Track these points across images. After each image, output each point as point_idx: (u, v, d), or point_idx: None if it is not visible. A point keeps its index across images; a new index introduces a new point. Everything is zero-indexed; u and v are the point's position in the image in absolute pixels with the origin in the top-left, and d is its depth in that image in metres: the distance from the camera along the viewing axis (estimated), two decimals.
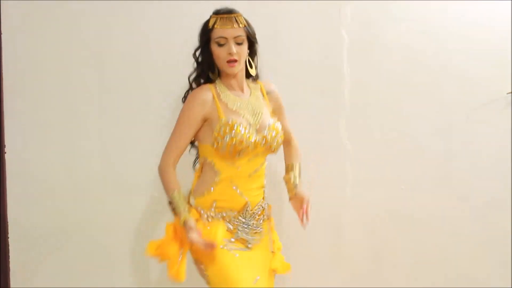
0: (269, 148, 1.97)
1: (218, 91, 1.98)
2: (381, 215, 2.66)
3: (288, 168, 2.18)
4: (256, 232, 2.00)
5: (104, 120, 2.64)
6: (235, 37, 1.93)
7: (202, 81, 2.05)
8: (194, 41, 2.55)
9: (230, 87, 2.01)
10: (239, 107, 1.96)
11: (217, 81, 2.02)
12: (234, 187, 1.95)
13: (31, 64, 2.62)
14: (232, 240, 1.95)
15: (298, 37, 2.59)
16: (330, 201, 2.65)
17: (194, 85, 2.09)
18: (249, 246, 1.97)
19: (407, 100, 2.62)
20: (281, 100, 2.14)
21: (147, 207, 2.66)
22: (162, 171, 2.00)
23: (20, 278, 2.69)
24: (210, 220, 1.97)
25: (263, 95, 2.07)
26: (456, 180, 2.64)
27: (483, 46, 2.59)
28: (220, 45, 1.93)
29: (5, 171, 2.64)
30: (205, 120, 1.96)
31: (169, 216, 2.65)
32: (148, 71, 2.61)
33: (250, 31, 1.99)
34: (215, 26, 1.94)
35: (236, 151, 1.90)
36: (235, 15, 1.96)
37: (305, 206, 2.02)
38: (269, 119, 2.00)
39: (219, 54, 1.94)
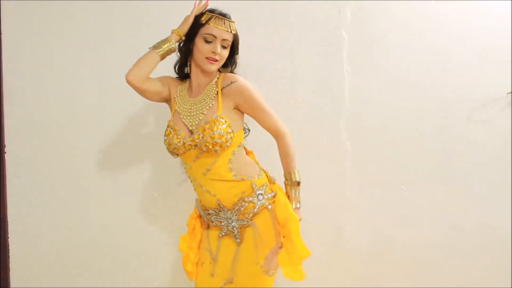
0: (202, 149, 1.93)
1: (179, 89, 2.08)
2: (381, 215, 2.66)
3: (285, 176, 2.10)
4: (244, 226, 1.99)
5: (104, 120, 2.64)
6: (223, 39, 1.97)
7: (186, 70, 2.11)
8: None
9: (189, 88, 2.08)
10: (182, 109, 2.02)
11: (185, 80, 2.11)
12: (203, 189, 2.00)
13: (31, 64, 2.62)
14: (221, 235, 2.02)
15: (298, 37, 2.59)
16: (330, 201, 2.65)
17: (179, 74, 2.15)
18: (237, 240, 2.00)
19: (407, 100, 2.62)
20: (248, 92, 1.97)
21: (147, 207, 2.66)
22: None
23: (20, 278, 2.70)
24: (205, 219, 2.08)
25: (217, 92, 1.98)
26: (456, 180, 2.64)
27: (483, 46, 2.59)
28: (207, 41, 1.97)
29: (5, 171, 2.64)
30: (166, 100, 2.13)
31: (169, 216, 2.67)
32: None
33: (236, 41, 2.04)
34: (209, 22, 1.97)
35: (172, 152, 2.02)
36: (229, 20, 2.01)
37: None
38: (205, 119, 1.95)
39: (203, 49, 1.97)
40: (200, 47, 1.97)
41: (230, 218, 1.99)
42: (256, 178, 2.01)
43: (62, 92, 2.62)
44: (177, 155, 2.02)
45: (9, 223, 2.68)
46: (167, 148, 2.02)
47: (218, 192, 1.98)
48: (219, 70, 2.08)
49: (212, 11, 2.01)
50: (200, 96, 2.01)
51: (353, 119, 2.61)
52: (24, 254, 2.69)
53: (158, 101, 2.13)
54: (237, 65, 2.14)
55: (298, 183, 2.08)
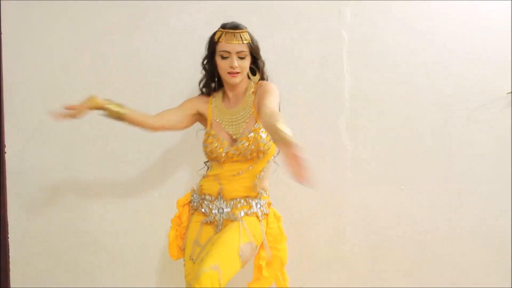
0: (245, 157, 2.05)
1: (213, 101, 2.17)
2: (381, 215, 2.66)
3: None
4: (229, 220, 2.06)
5: (104, 120, 2.63)
6: (237, 52, 2.06)
7: (213, 85, 2.21)
8: (194, 41, 2.57)
9: (224, 99, 2.17)
10: (222, 119, 2.12)
11: (215, 93, 2.20)
12: (217, 179, 2.11)
13: (31, 64, 2.62)
14: (206, 221, 2.09)
15: (298, 37, 2.59)
16: (330, 201, 2.65)
17: (204, 90, 2.22)
18: (219, 228, 2.07)
19: (407, 100, 2.62)
20: (267, 87, 2.08)
21: (147, 206, 2.66)
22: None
23: (20, 278, 2.70)
24: (194, 204, 2.15)
25: (253, 100, 2.11)
26: (456, 180, 2.64)
27: (483, 46, 2.59)
28: (223, 58, 2.06)
29: (5, 171, 2.64)
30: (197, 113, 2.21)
31: (169, 216, 2.66)
32: (148, 71, 2.61)
33: (253, 47, 2.11)
34: (220, 40, 2.07)
35: (212, 158, 2.11)
36: (240, 31, 2.07)
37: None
38: (248, 128, 2.06)
39: (222, 66, 2.08)
40: (219, 64, 2.09)
41: (222, 209, 2.08)
42: (264, 193, 2.12)
43: (62, 92, 2.62)
44: (217, 161, 2.10)
45: (9, 223, 2.68)
46: (208, 155, 2.12)
47: (227, 186, 2.09)
48: (249, 78, 2.16)
49: (224, 26, 2.09)
50: (240, 106, 2.12)
51: (353, 119, 2.61)
52: (24, 254, 2.69)
53: (189, 125, 2.23)
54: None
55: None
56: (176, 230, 2.22)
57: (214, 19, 2.56)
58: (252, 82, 2.16)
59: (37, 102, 2.63)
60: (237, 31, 2.06)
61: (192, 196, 2.19)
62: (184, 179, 2.63)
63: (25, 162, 2.65)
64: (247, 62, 2.09)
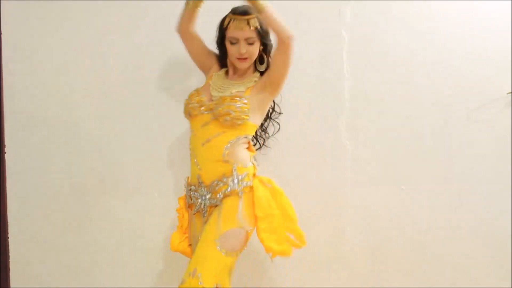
0: (214, 116, 2.04)
1: (220, 71, 2.24)
2: (381, 215, 2.65)
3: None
4: (213, 205, 2.08)
5: (104, 120, 2.64)
6: (246, 39, 2.08)
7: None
8: None
9: (227, 72, 2.23)
10: (214, 84, 2.16)
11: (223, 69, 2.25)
12: (195, 160, 2.12)
13: (31, 64, 2.62)
14: (194, 211, 2.14)
15: (298, 37, 2.58)
16: (330, 201, 2.64)
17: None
18: (205, 215, 2.10)
19: (407, 100, 2.61)
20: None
21: (147, 207, 2.66)
22: None
23: (20, 278, 2.70)
24: (187, 198, 2.20)
25: (249, 87, 2.13)
26: (456, 180, 2.64)
27: (483, 46, 2.59)
28: (232, 43, 2.10)
29: (5, 171, 2.64)
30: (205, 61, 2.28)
31: (169, 216, 2.66)
32: (148, 71, 2.61)
33: (262, 33, 2.12)
34: (229, 26, 2.09)
35: (186, 112, 2.13)
36: (249, 17, 2.07)
37: None
38: (229, 95, 2.08)
39: (231, 51, 2.12)
40: (229, 50, 2.13)
41: (205, 196, 2.08)
42: (240, 165, 2.07)
43: (62, 92, 2.62)
44: (190, 116, 2.12)
45: (9, 223, 2.68)
46: (184, 107, 2.14)
47: (203, 166, 2.09)
48: (255, 68, 2.19)
49: (233, 11, 2.10)
50: (236, 81, 2.15)
51: (353, 119, 2.61)
52: (24, 254, 2.69)
53: (198, 63, 2.29)
54: None
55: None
56: (179, 221, 2.25)
57: (214, 20, 2.57)
58: (257, 75, 2.18)
59: (37, 102, 2.63)
60: (246, 17, 2.06)
61: (184, 190, 2.23)
62: (184, 179, 2.63)
63: (25, 162, 2.65)
64: (255, 48, 2.12)
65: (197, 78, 2.57)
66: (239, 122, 2.04)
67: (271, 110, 2.36)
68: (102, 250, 2.69)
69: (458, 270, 2.66)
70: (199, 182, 2.11)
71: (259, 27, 2.09)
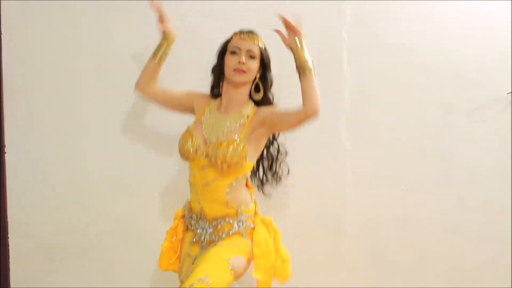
0: (211, 162, 1.98)
1: (211, 103, 2.15)
2: (381, 215, 2.66)
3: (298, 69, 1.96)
4: (213, 241, 2.04)
5: (104, 120, 2.64)
6: (248, 50, 2.05)
7: (217, 90, 2.18)
8: (194, 41, 2.57)
9: (219, 105, 2.13)
10: (206, 121, 2.08)
11: (216, 100, 2.16)
12: (195, 192, 2.08)
13: (31, 64, 2.62)
14: (193, 240, 2.09)
15: None
16: (330, 201, 2.65)
17: (214, 91, 2.19)
18: (203, 247, 2.05)
19: (407, 100, 2.62)
20: (272, 109, 2.06)
21: (147, 207, 2.66)
22: None
23: (20, 278, 2.70)
24: (186, 220, 2.16)
25: (247, 119, 2.04)
26: (456, 180, 2.64)
27: (483, 46, 2.59)
28: (233, 53, 2.05)
29: (5, 171, 2.64)
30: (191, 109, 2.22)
31: (169, 216, 2.66)
32: None
33: (265, 55, 2.10)
34: (233, 37, 2.08)
35: (181, 154, 2.07)
36: (255, 35, 2.09)
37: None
38: (224, 137, 1.99)
39: (230, 62, 2.05)
40: (227, 60, 2.06)
41: (206, 229, 2.05)
42: (244, 207, 2.06)
43: (62, 92, 2.62)
44: (186, 159, 2.07)
45: (9, 223, 2.68)
46: (179, 149, 2.07)
47: (205, 204, 2.05)
48: (251, 98, 2.10)
49: (239, 31, 2.11)
50: (228, 116, 2.06)
51: (353, 119, 2.61)
52: (24, 254, 2.69)
53: (178, 111, 2.25)
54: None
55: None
56: (170, 242, 2.20)
57: (214, 19, 2.57)
58: (252, 105, 2.09)
59: (37, 102, 2.63)
60: (252, 34, 2.09)
61: (184, 211, 2.19)
62: (184, 180, 2.63)
63: (25, 162, 2.65)
64: (255, 64, 2.06)
65: (197, 78, 2.58)
66: (237, 166, 1.98)
67: (276, 152, 2.26)
68: (102, 250, 2.69)
69: (458, 270, 2.66)
70: (201, 215, 2.07)
71: (263, 48, 2.08)
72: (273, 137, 2.24)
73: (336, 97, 2.61)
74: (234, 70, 2.03)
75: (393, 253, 2.67)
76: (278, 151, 2.26)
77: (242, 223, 2.05)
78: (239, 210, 2.04)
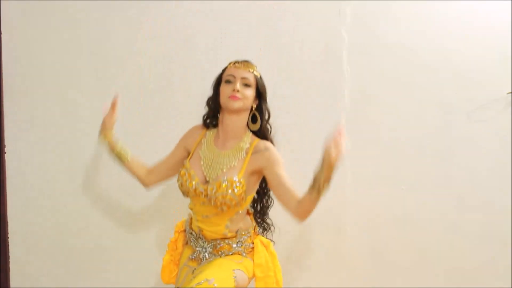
0: (211, 202, 1.97)
1: (207, 134, 2.12)
2: (381, 215, 2.66)
3: (310, 188, 1.85)
4: (209, 261, 2.05)
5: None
6: (242, 78, 2.01)
7: (213, 121, 2.15)
8: (194, 40, 2.57)
9: (216, 137, 2.09)
10: (204, 156, 2.05)
11: (211, 130, 2.13)
12: (195, 218, 2.09)
13: (31, 64, 2.62)
14: (191, 257, 2.09)
15: (298, 37, 2.59)
16: (330, 201, 2.64)
17: (207, 122, 2.16)
18: (202, 263, 2.05)
19: (407, 100, 2.62)
20: (274, 159, 1.97)
21: (147, 207, 2.66)
22: None
23: (20, 278, 2.70)
24: (187, 235, 2.17)
25: (246, 154, 2.00)
26: (456, 180, 2.65)
27: (483, 46, 2.59)
28: (227, 82, 2.02)
29: (5, 171, 2.64)
30: (186, 151, 2.17)
31: (169, 217, 2.66)
32: (148, 71, 2.61)
33: (260, 84, 2.06)
34: (228, 67, 2.06)
35: (181, 191, 2.07)
36: (250, 63, 2.07)
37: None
38: (224, 176, 1.96)
39: (225, 90, 2.02)
40: (222, 89, 2.03)
41: (205, 248, 2.06)
42: (243, 232, 2.07)
43: (62, 92, 2.62)
44: (187, 196, 2.07)
45: (9, 223, 2.68)
46: (179, 187, 2.06)
47: (204, 228, 2.06)
48: (249, 128, 2.07)
49: (235, 60, 2.09)
50: (227, 151, 2.03)
51: (353, 119, 2.61)
52: (24, 254, 2.69)
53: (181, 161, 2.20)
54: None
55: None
56: (171, 255, 2.20)
57: (214, 19, 2.57)
58: (250, 136, 2.05)
59: (37, 102, 2.63)
60: (247, 62, 2.07)
61: (185, 226, 2.19)
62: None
63: (25, 162, 2.65)
64: (250, 92, 2.01)
65: (197, 79, 2.58)
66: (237, 207, 1.98)
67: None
68: (102, 250, 2.69)
69: (458, 270, 2.66)
70: (201, 235, 2.08)
71: (258, 77, 2.05)
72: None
73: (336, 97, 2.61)
74: (230, 97, 1.99)
75: (393, 253, 2.67)
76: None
77: (242, 243, 2.07)
78: (238, 233, 2.06)
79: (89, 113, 2.63)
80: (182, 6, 2.58)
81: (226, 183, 1.94)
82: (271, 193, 2.16)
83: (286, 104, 2.58)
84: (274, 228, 2.23)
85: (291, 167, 2.59)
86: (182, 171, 2.05)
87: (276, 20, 2.59)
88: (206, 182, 2.00)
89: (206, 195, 1.98)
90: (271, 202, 2.21)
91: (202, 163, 2.04)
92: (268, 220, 2.23)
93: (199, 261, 2.07)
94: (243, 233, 2.07)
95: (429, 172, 2.64)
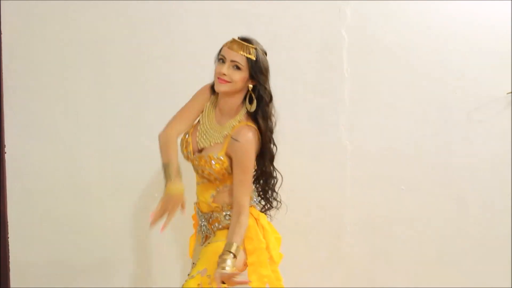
0: (197, 171, 2.03)
1: (210, 101, 2.12)
2: (381, 215, 2.66)
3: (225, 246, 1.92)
4: (208, 236, 2.08)
5: (104, 120, 2.64)
6: (232, 60, 1.96)
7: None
8: (194, 40, 2.57)
9: (216, 105, 2.09)
10: (203, 125, 2.07)
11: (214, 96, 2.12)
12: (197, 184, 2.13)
13: (31, 64, 2.62)
14: (198, 233, 2.14)
15: (298, 37, 2.59)
16: (330, 201, 2.65)
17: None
18: (202, 241, 2.10)
19: (407, 100, 2.62)
20: (242, 156, 1.96)
21: (147, 207, 2.66)
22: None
23: (20, 278, 2.70)
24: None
25: (226, 135, 2.00)
26: (456, 180, 2.64)
27: (483, 46, 2.59)
28: (220, 61, 2.00)
29: (5, 171, 2.64)
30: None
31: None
32: (147, 71, 2.61)
33: (254, 66, 1.98)
34: (225, 45, 2.02)
35: (181, 152, 2.09)
36: (247, 44, 1.99)
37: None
38: (207, 152, 1.99)
39: (216, 69, 2.01)
40: (216, 67, 2.01)
41: (202, 222, 2.10)
42: (229, 205, 2.05)
43: (62, 92, 2.62)
44: (187, 160, 2.10)
45: (9, 223, 2.68)
46: (181, 151, 2.10)
47: (199, 198, 2.11)
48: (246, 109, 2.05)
49: (237, 36, 2.03)
50: (220, 127, 2.04)
51: (353, 119, 2.61)
52: (24, 254, 2.69)
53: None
54: None
55: (234, 256, 1.89)
56: (195, 234, 2.23)
57: (214, 19, 2.57)
58: (241, 116, 2.03)
59: (37, 102, 2.63)
60: (243, 42, 1.99)
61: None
62: (184, 180, 2.63)
63: (25, 162, 2.65)
64: (239, 76, 1.96)
65: (197, 79, 2.57)
66: (217, 181, 2.01)
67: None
68: (102, 250, 2.68)
69: (458, 270, 2.66)
70: (198, 209, 2.13)
71: (253, 59, 1.97)
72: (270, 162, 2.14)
73: (336, 97, 2.60)
74: (218, 78, 1.98)
75: (392, 253, 2.67)
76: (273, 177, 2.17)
77: (229, 216, 2.04)
78: (223, 207, 2.05)
79: (89, 112, 2.63)
80: (182, 6, 2.58)
81: (206, 158, 1.98)
82: (275, 172, 2.14)
83: (286, 104, 2.58)
84: (281, 204, 2.18)
85: (291, 167, 2.60)
86: (183, 137, 2.09)
87: (276, 20, 2.59)
88: (199, 151, 2.04)
89: (193, 165, 2.04)
90: (272, 180, 2.15)
91: (198, 133, 2.07)
92: (273, 200, 2.17)
93: (201, 235, 2.11)
94: (230, 206, 2.04)
95: (429, 172, 2.64)
